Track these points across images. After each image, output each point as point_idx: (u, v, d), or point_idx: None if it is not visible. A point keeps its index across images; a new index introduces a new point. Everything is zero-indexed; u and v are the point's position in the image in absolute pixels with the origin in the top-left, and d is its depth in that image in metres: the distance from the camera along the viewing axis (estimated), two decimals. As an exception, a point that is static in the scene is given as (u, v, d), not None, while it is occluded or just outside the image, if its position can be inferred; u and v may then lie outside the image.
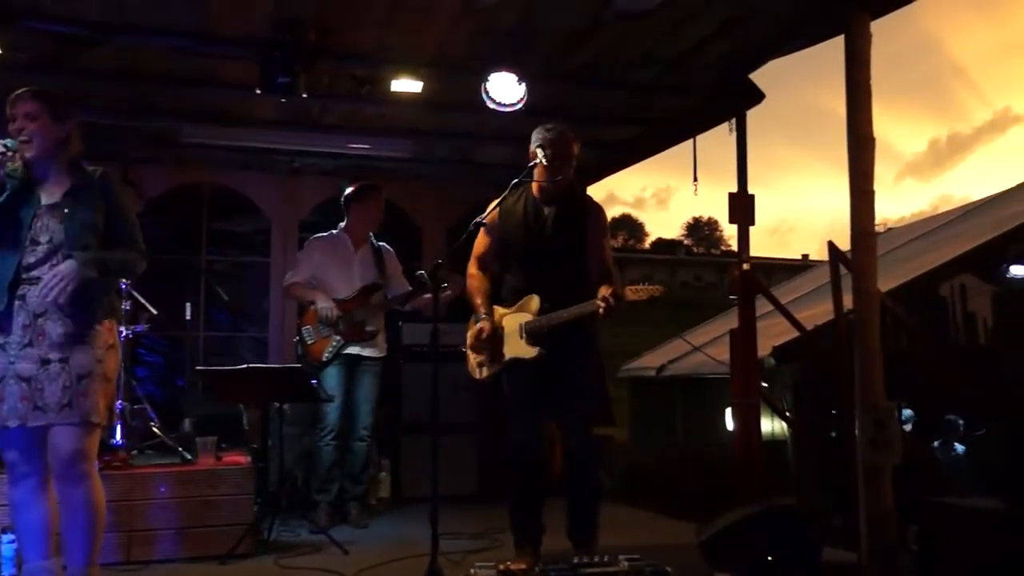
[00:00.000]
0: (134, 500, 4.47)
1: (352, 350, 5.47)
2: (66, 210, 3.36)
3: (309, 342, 5.47)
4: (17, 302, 3.30)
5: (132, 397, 5.25)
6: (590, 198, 4.33)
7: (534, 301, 4.05)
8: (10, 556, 4.03)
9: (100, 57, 5.16)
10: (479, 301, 4.19)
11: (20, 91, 3.41)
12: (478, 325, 4.12)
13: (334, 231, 5.74)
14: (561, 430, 4.28)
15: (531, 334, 4.03)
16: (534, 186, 4.14)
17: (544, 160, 3.97)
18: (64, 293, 3.21)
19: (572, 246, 4.10)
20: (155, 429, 5.24)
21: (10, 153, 3.28)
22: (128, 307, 5.17)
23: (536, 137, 4.07)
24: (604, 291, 3.79)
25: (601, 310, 3.80)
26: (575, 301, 3.93)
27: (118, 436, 4.85)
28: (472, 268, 4.30)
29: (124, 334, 4.91)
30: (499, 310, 4.15)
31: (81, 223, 3.37)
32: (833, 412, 6.71)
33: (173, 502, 4.53)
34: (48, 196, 3.39)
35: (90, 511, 3.35)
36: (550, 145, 4.01)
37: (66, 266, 3.24)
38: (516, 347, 4.08)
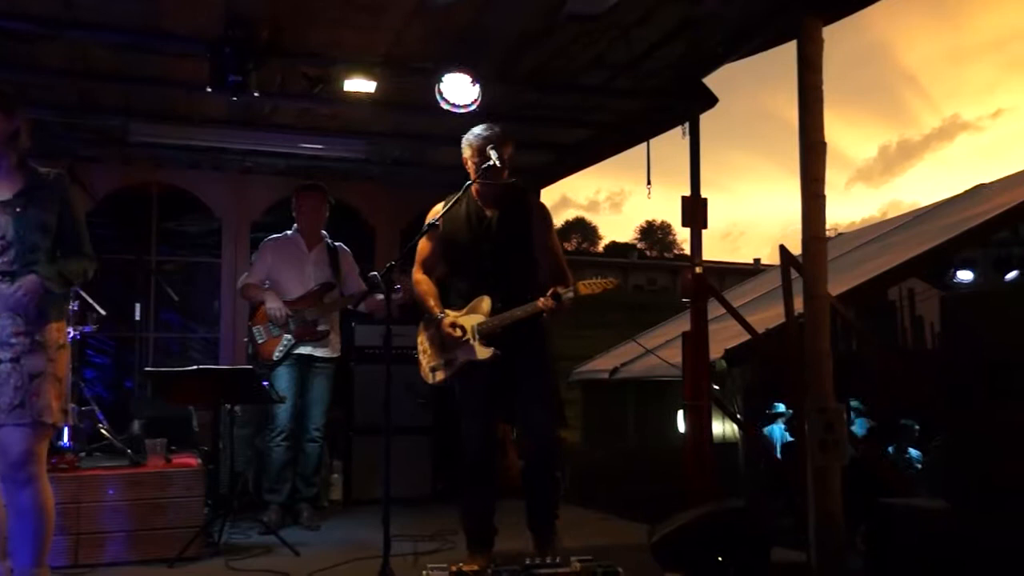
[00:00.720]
0: (82, 503, 4.40)
1: (304, 350, 5.44)
2: (18, 209, 3.32)
3: (259, 341, 5.44)
4: None
5: (80, 399, 5.16)
6: (532, 196, 4.35)
7: (485, 302, 4.06)
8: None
9: (48, 53, 5.06)
10: (432, 303, 4.17)
11: None
12: (446, 321, 4.08)
13: (288, 232, 5.71)
14: (522, 431, 4.29)
15: (484, 335, 4.03)
16: (474, 188, 4.13)
17: (497, 161, 3.97)
18: (29, 307, 3.24)
19: (519, 246, 4.11)
20: (103, 431, 5.15)
21: None
22: (76, 308, 5.07)
23: (480, 138, 4.05)
24: (558, 289, 3.84)
25: (545, 306, 3.84)
26: (526, 300, 3.95)
27: (66, 438, 4.76)
28: (417, 273, 4.26)
29: (72, 335, 4.83)
30: (450, 314, 4.14)
31: (34, 224, 3.34)
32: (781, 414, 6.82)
33: (122, 505, 4.48)
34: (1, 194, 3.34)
35: (38, 514, 3.30)
36: (501, 144, 4.02)
37: (30, 283, 3.24)
38: (469, 350, 4.08)
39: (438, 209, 4.10)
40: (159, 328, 7.09)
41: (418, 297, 4.25)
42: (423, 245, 4.25)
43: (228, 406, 5.18)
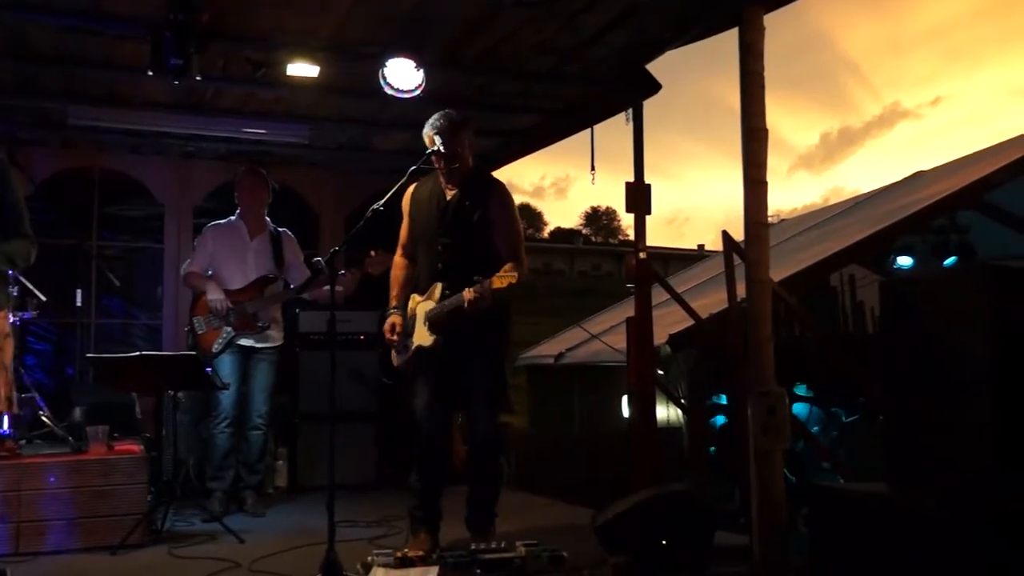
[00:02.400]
0: (23, 490, 4.36)
1: (245, 341, 5.42)
2: None
3: (200, 332, 5.42)
4: None
5: (20, 385, 5.05)
6: (494, 179, 4.35)
7: (437, 289, 4.09)
8: None
9: (-17, 34, 4.94)
10: (394, 292, 4.27)
11: None
12: (388, 320, 4.17)
13: (232, 218, 5.65)
14: (465, 419, 4.31)
15: (431, 322, 4.05)
16: (439, 172, 4.18)
17: (441, 147, 4.00)
18: None
19: (475, 229, 4.10)
20: (44, 418, 5.08)
21: None
22: (16, 293, 4.97)
23: (428, 126, 4.11)
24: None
25: (466, 303, 3.83)
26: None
27: (6, 425, 4.68)
28: (397, 256, 4.38)
29: (12, 321, 4.75)
30: (415, 298, 4.18)
31: None
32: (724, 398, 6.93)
33: (64, 492, 4.44)
34: None
35: None
36: (449, 130, 4.06)
37: None
38: (420, 335, 4.11)
39: (410, 191, 4.23)
40: (101, 314, 6.96)
41: (390, 281, 4.36)
42: (403, 228, 4.35)
43: (171, 393, 5.12)
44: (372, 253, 4.58)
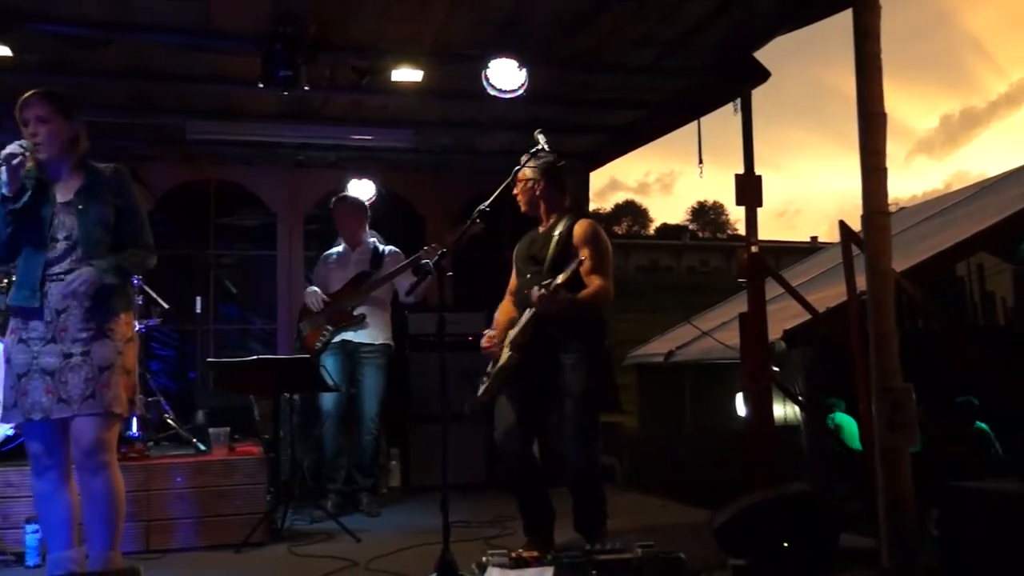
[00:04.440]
0: (151, 490, 4.56)
1: (345, 336, 5.53)
2: (80, 207, 3.44)
3: (304, 333, 5.61)
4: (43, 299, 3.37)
5: (146, 390, 5.29)
6: (585, 213, 4.42)
7: (524, 316, 4.03)
8: (34, 546, 4.16)
9: (106, 57, 5.17)
10: (496, 329, 4.27)
11: (29, 94, 3.45)
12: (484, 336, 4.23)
13: (339, 246, 5.88)
14: (556, 452, 4.22)
15: (512, 343, 4.04)
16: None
17: (545, 145, 4.03)
18: (87, 297, 3.32)
19: (560, 262, 4.00)
20: (169, 421, 5.30)
21: (27, 154, 3.32)
22: (140, 302, 5.20)
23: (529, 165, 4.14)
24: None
25: (534, 300, 3.82)
26: (567, 318, 3.92)
27: (135, 428, 4.89)
28: (504, 302, 4.40)
29: (138, 328, 4.95)
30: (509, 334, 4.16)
31: (95, 220, 3.45)
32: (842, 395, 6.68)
33: (189, 492, 4.61)
34: (62, 194, 3.46)
35: (110, 500, 3.40)
36: (556, 172, 4.23)
37: (88, 273, 3.32)
38: (502, 356, 4.10)
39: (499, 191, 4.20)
40: (219, 320, 7.20)
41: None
42: (513, 274, 4.39)
43: (287, 395, 5.25)
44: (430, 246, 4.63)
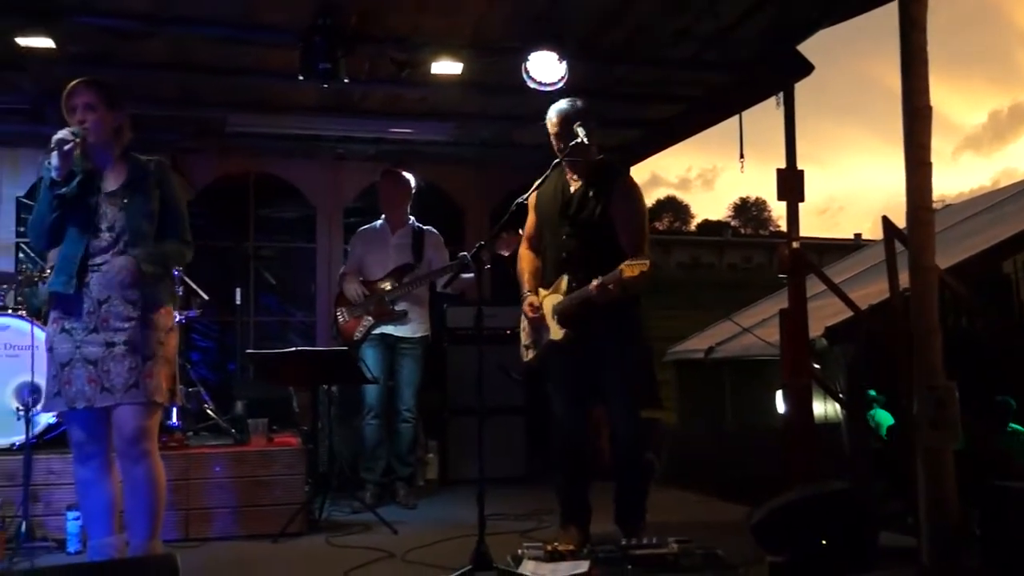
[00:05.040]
0: (191, 479, 4.61)
1: (386, 329, 5.53)
2: (125, 199, 3.47)
3: (341, 321, 5.60)
4: (83, 289, 3.41)
5: (187, 380, 5.37)
6: (619, 171, 4.24)
7: (563, 281, 4.01)
8: (75, 533, 4.22)
9: (148, 49, 5.24)
10: (526, 279, 4.21)
11: (76, 82, 3.49)
12: (527, 300, 4.12)
13: (377, 223, 5.82)
14: (607, 414, 4.23)
15: (560, 315, 3.99)
16: (567, 164, 4.09)
17: (585, 138, 3.93)
18: (129, 287, 3.37)
19: (597, 221, 4.02)
20: (209, 411, 5.36)
21: (77, 140, 3.35)
22: (180, 293, 5.25)
23: (564, 114, 4.04)
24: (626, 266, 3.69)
25: (594, 290, 3.75)
26: None
27: (174, 418, 4.95)
28: (522, 249, 4.32)
29: (178, 319, 5.01)
30: (542, 292, 4.12)
31: (139, 211, 3.48)
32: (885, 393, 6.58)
33: (228, 482, 4.66)
34: (106, 185, 3.50)
35: (152, 488, 3.44)
36: (588, 119, 3.99)
37: (128, 262, 3.38)
38: (551, 329, 4.05)
39: (537, 184, 4.12)
40: (259, 312, 7.26)
41: (517, 273, 4.28)
42: (529, 221, 4.29)
43: (325, 387, 5.27)
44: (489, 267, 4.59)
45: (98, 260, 3.42)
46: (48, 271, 4.45)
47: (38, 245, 3.70)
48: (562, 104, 4.10)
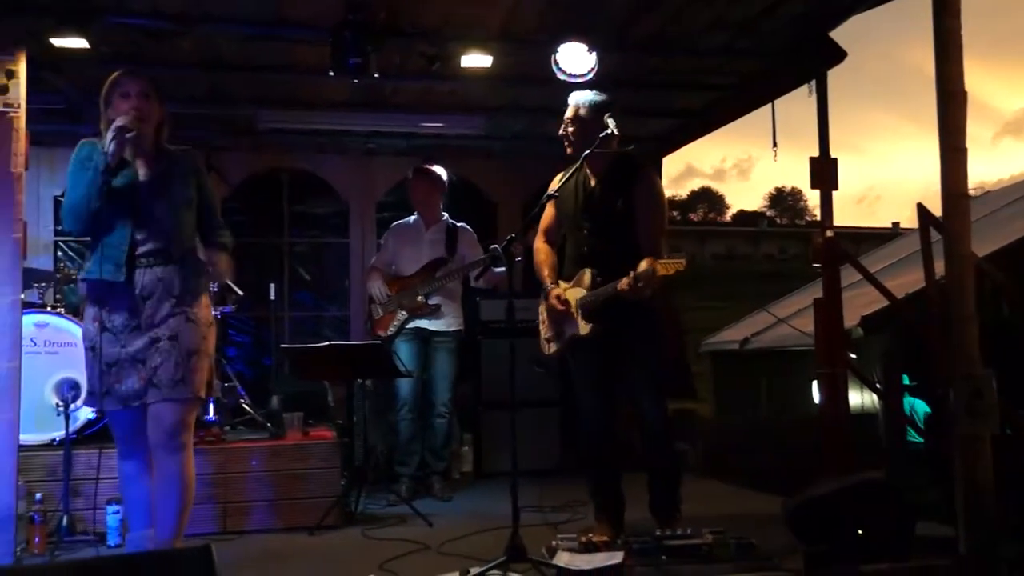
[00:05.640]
0: (228, 473, 4.67)
1: (420, 324, 5.55)
2: (167, 191, 3.48)
3: (375, 317, 5.62)
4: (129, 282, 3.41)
5: (223, 375, 5.43)
6: (642, 167, 4.19)
7: (587, 275, 3.99)
8: (115, 526, 4.29)
9: (180, 48, 5.27)
10: (545, 273, 4.19)
11: (123, 71, 3.52)
12: (551, 293, 4.11)
13: (411, 218, 5.85)
14: (632, 407, 4.22)
15: (584, 310, 3.98)
16: (589, 158, 4.04)
17: (615, 129, 3.92)
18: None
19: (617, 216, 4.00)
20: (245, 406, 5.42)
21: (135, 130, 3.35)
22: (216, 288, 5.30)
23: (594, 106, 4.03)
24: (644, 264, 3.66)
25: (628, 288, 3.71)
26: (626, 274, 3.75)
27: (211, 413, 5.01)
28: (538, 242, 4.31)
29: (214, 314, 5.07)
30: (562, 285, 4.12)
31: (181, 202, 3.52)
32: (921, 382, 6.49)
33: (264, 475, 4.72)
34: (147, 176, 3.49)
35: (183, 482, 3.45)
36: (615, 112, 3.97)
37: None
38: (574, 323, 4.04)
39: (557, 178, 4.10)
40: (293, 307, 7.33)
41: (535, 266, 4.27)
42: (546, 214, 4.27)
43: (360, 381, 5.31)
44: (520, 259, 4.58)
45: (141, 250, 3.41)
46: (74, 275, 4.49)
47: (76, 228, 3.51)
48: (589, 95, 4.08)
